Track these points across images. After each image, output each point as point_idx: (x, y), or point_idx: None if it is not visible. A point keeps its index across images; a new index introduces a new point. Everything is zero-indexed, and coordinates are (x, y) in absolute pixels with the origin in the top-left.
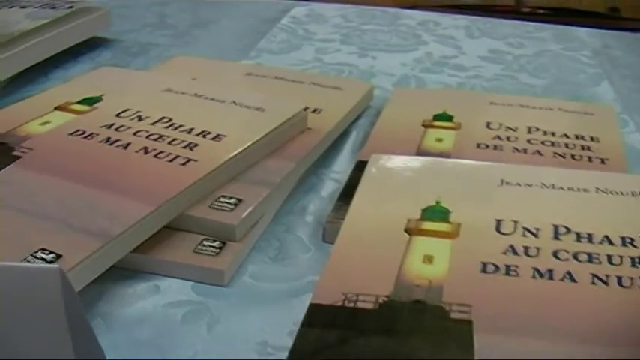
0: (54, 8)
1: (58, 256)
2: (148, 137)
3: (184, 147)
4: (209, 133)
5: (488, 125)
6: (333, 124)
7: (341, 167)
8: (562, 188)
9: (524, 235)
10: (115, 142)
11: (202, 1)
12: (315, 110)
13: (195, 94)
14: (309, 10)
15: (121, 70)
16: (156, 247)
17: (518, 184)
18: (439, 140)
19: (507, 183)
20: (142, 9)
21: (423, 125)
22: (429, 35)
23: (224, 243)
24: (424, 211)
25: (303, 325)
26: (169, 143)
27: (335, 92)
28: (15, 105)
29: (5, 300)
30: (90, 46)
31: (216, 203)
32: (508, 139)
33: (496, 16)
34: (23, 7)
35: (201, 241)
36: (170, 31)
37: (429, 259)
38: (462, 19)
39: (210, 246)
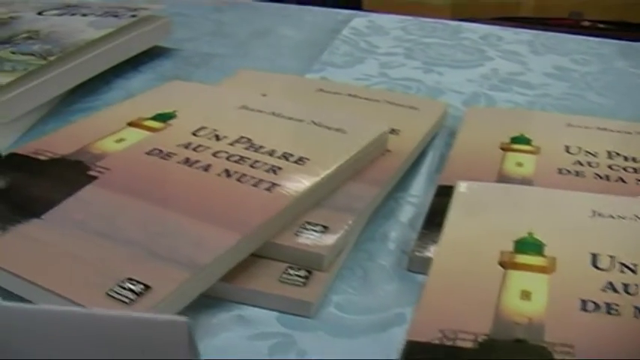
0: (116, 17)
1: (147, 287)
2: (228, 159)
3: (267, 170)
4: (291, 155)
5: (567, 149)
6: (413, 146)
7: (418, 190)
8: None
9: (622, 271)
10: (195, 162)
11: (259, 9)
12: (392, 131)
13: (273, 113)
14: (369, 22)
15: (191, 84)
16: (239, 275)
17: (611, 216)
18: (519, 165)
19: (599, 214)
20: (200, 17)
21: (502, 148)
22: (493, 50)
23: (310, 272)
24: (517, 243)
25: None
26: (251, 166)
27: (411, 112)
28: (85, 119)
29: (130, 353)
30: (150, 55)
31: (301, 230)
32: (589, 164)
33: (556, 30)
34: (84, 15)
35: (286, 270)
36: (229, 41)
37: (526, 295)
38: (525, 34)
39: (296, 275)
